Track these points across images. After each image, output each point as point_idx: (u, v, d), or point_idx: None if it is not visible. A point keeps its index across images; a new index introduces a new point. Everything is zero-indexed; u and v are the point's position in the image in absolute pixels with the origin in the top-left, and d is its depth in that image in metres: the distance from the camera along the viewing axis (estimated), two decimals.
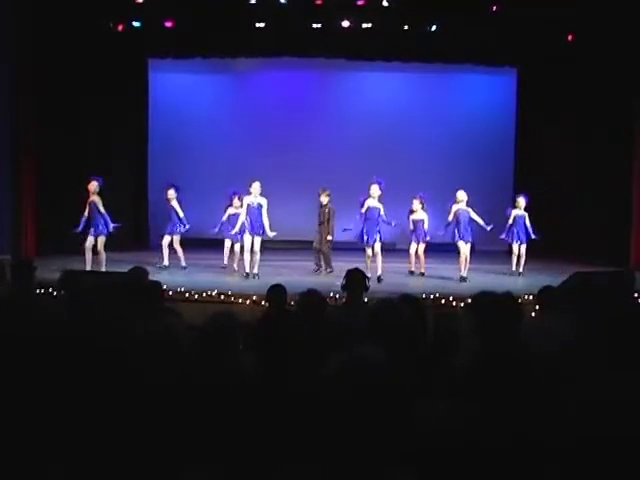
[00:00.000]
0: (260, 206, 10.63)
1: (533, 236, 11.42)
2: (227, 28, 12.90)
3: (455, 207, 10.88)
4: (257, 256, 10.60)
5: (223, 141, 15.34)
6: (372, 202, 10.69)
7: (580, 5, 12.00)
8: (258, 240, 10.63)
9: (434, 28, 13.14)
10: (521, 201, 11.46)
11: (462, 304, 8.55)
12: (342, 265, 10.40)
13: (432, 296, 8.92)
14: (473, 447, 2.18)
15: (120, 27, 13.19)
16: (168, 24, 13.05)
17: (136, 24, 13.14)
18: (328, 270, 11.19)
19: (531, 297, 8.13)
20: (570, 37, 13.13)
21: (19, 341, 3.48)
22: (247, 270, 10.64)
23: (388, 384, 1.89)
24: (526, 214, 11.46)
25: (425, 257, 11.54)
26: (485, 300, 3.39)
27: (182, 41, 13.37)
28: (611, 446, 2.25)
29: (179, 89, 15.54)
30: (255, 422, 2.93)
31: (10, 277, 6.56)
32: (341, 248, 11.89)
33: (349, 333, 4.21)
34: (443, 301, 8.81)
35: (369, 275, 10.29)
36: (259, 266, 10.67)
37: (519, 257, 11.41)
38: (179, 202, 11.49)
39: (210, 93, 15.66)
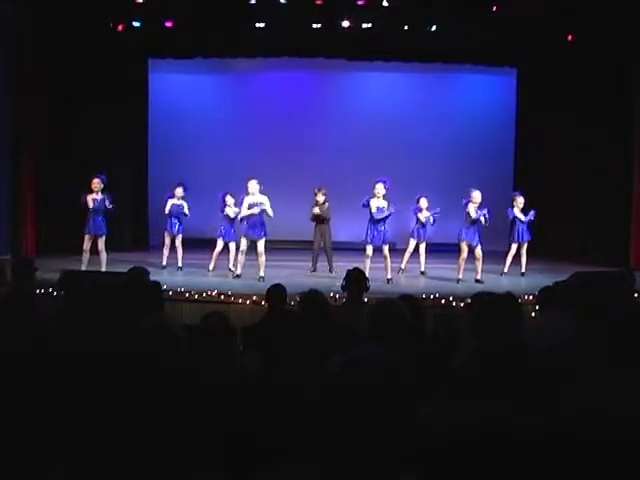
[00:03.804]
0: (262, 204, 10.35)
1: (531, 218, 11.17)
2: (227, 28, 12.90)
3: (473, 207, 10.48)
4: (263, 258, 10.31)
5: (223, 141, 15.34)
6: (378, 202, 10.45)
7: (580, 5, 12.01)
8: (261, 242, 10.37)
9: (434, 28, 13.14)
10: (519, 200, 11.35)
11: (462, 304, 8.55)
12: (342, 265, 10.43)
13: (432, 296, 8.91)
14: (473, 447, 2.18)
15: (120, 27, 13.18)
16: (168, 24, 13.05)
17: (136, 24, 13.13)
18: (330, 269, 11.14)
19: (531, 297, 8.13)
20: (570, 37, 13.13)
21: (18, 342, 3.47)
22: (239, 272, 10.47)
23: (388, 384, 1.89)
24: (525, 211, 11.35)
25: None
26: (485, 300, 3.39)
27: (182, 41, 13.38)
28: (612, 446, 2.25)
29: (179, 89, 15.54)
30: (255, 422, 2.93)
31: (11, 277, 6.57)
32: (341, 248, 11.89)
33: (349, 333, 4.22)
34: (443, 301, 8.80)
35: (390, 276, 10.32)
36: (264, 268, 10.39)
37: (520, 257, 11.31)
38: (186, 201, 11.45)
39: (210, 93, 15.67)
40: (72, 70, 12.85)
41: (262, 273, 10.27)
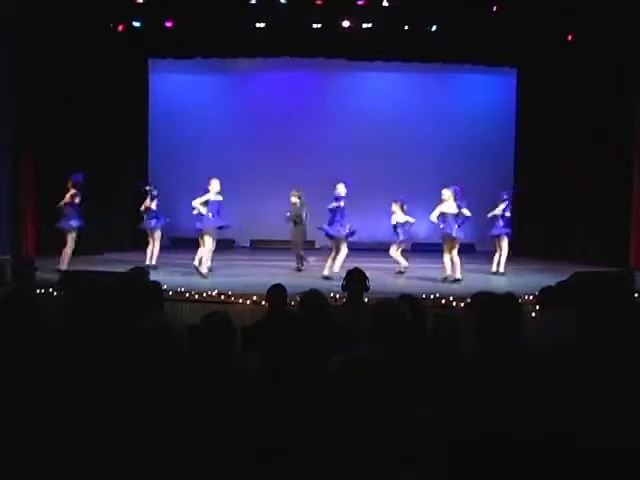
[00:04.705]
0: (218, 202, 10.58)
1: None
2: (227, 28, 12.91)
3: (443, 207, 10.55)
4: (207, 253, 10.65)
5: (223, 141, 15.35)
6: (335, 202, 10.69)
7: (580, 5, 12.00)
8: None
9: (434, 28, 13.14)
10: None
11: (462, 304, 8.55)
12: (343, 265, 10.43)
13: (432, 296, 8.91)
14: (473, 447, 2.18)
15: (120, 27, 13.18)
16: (168, 24, 13.05)
17: (136, 24, 13.14)
18: (300, 267, 11.30)
19: (531, 297, 8.12)
20: (570, 37, 13.13)
21: (18, 342, 3.47)
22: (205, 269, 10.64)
23: (388, 384, 1.89)
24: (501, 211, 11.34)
25: (403, 256, 11.45)
26: (485, 300, 3.39)
27: (182, 41, 13.39)
28: (612, 446, 2.25)
29: (179, 89, 15.56)
30: (255, 422, 2.93)
31: (11, 277, 6.56)
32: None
33: (349, 333, 4.21)
34: (443, 301, 8.79)
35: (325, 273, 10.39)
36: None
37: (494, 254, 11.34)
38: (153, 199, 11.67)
39: (210, 93, 15.68)
40: (72, 70, 12.84)
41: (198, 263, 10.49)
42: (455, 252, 10.34)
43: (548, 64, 13.55)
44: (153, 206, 11.62)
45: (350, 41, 13.30)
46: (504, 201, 11.44)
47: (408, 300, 4.30)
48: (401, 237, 11.33)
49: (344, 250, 10.66)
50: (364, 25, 13.09)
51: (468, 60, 14.28)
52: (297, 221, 11.41)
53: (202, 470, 2.77)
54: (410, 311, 3.57)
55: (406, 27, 13.13)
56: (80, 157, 13.15)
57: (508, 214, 11.46)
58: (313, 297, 4.74)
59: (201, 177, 14.39)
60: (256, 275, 10.65)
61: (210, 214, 10.53)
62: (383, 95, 15.44)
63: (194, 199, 10.66)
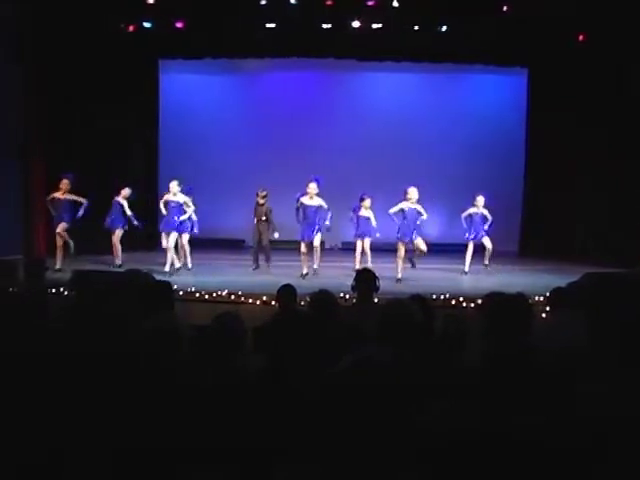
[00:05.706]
0: (179, 204, 10.88)
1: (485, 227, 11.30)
2: (237, 29, 12.92)
3: (405, 204, 10.58)
4: (172, 252, 10.86)
5: (233, 141, 15.37)
6: (307, 200, 10.79)
7: (591, 5, 11.94)
8: (173, 236, 10.87)
9: (444, 28, 13.11)
10: (480, 199, 11.31)
11: (472, 304, 8.55)
12: (351, 265, 10.44)
13: (442, 296, 8.91)
14: (473, 447, 2.18)
15: (131, 28, 13.23)
16: (179, 25, 13.08)
17: (147, 25, 13.18)
18: (268, 265, 11.42)
19: (541, 298, 8.10)
20: (581, 37, 13.07)
21: (30, 340, 3.49)
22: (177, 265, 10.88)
23: (394, 384, 1.89)
24: (484, 212, 11.32)
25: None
26: (498, 300, 3.38)
27: (192, 42, 13.42)
28: (615, 446, 2.24)
29: (189, 90, 15.60)
30: (255, 422, 2.93)
31: (22, 276, 6.62)
32: (352, 249, 11.88)
33: (359, 333, 4.21)
34: (453, 302, 8.80)
35: (305, 271, 10.37)
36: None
37: (471, 255, 11.30)
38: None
39: (220, 94, 15.71)
40: (83, 71, 12.88)
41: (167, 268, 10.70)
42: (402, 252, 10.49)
43: (559, 64, 13.50)
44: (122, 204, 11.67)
45: (360, 41, 13.28)
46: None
47: (418, 301, 4.29)
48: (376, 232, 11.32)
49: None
50: (374, 25, 13.05)
51: (478, 60, 14.24)
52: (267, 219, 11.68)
53: (202, 470, 2.78)
54: (420, 312, 3.57)
55: (416, 27, 13.09)
56: (90, 157, 13.20)
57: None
58: (323, 297, 4.74)
59: (211, 177, 14.53)
60: (265, 275, 10.67)
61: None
62: (393, 95, 15.43)
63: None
